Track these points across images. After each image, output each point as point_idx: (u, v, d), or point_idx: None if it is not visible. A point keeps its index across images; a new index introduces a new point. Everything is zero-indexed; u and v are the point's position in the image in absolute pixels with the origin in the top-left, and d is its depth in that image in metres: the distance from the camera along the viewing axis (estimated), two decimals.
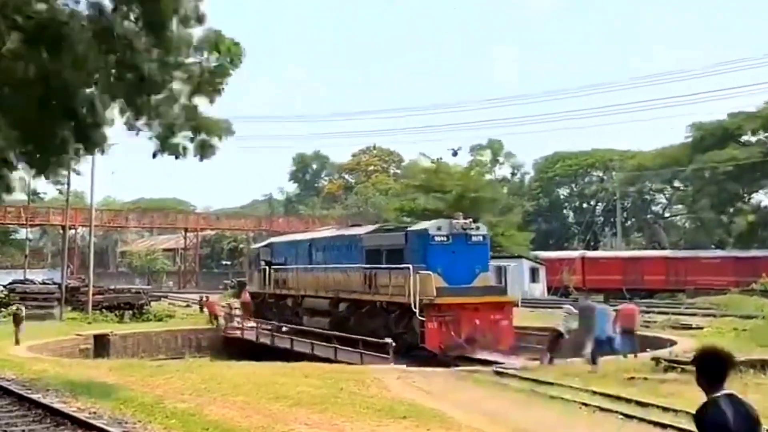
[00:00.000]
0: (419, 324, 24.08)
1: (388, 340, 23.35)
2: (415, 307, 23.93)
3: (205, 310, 40.50)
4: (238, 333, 35.96)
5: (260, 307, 37.76)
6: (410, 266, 24.36)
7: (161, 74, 13.91)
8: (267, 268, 36.35)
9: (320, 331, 28.55)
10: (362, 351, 24.16)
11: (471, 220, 26.39)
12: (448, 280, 24.59)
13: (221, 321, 37.41)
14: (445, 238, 25.19)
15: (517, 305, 26.48)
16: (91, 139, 15.23)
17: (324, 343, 27.02)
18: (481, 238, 25.93)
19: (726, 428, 4.78)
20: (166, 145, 16.06)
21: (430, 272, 24.28)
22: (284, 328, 33.55)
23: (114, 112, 15.12)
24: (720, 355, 5.09)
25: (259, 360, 24.69)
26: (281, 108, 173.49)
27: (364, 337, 24.79)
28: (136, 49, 12.97)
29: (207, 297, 45.25)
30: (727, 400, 4.94)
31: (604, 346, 21.02)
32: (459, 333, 24.07)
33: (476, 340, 24.25)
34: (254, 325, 35.37)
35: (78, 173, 43.98)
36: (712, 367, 5.02)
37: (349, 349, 25.25)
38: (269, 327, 33.98)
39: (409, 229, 27.39)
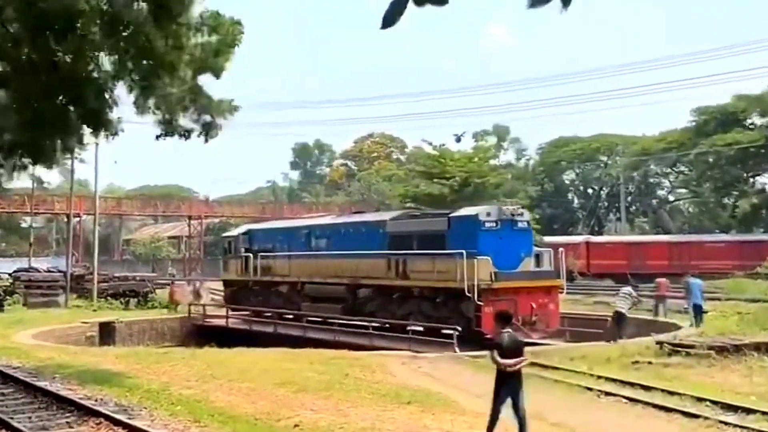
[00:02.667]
0: (474, 309, 24.14)
1: (457, 328, 23.39)
2: (468, 292, 23.98)
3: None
4: (217, 321, 35.64)
5: (237, 294, 37.27)
6: (463, 252, 24.25)
7: (173, 56, 13.82)
8: (250, 255, 35.72)
9: (352, 318, 28.28)
10: (411, 337, 24.37)
11: (519, 206, 27.07)
12: (497, 265, 24.61)
13: (180, 308, 37.18)
14: (494, 224, 25.36)
15: (563, 290, 26.76)
16: (99, 123, 15.21)
17: (349, 329, 27.32)
18: (525, 224, 26.34)
19: (501, 345, 10.42)
20: (171, 127, 16.01)
21: (487, 257, 24.34)
22: (266, 314, 33.29)
23: (121, 93, 15.09)
24: (505, 314, 11.15)
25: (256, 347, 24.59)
26: (282, 95, 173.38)
27: (428, 324, 25.00)
28: (148, 33, 12.89)
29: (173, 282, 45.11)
30: (506, 334, 10.55)
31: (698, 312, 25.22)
32: (516, 317, 24.33)
33: (533, 323, 24.61)
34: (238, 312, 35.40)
35: (82, 161, 44.10)
36: (500, 318, 10.98)
37: (386, 334, 25.97)
38: (269, 314, 33.91)
39: (452, 214, 27.15)
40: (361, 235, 29.94)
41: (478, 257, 24.10)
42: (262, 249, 35.74)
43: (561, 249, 28.98)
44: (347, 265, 29.94)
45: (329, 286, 30.74)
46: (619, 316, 23.61)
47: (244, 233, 38.24)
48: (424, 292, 26.47)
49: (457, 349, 22.10)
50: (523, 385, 10.47)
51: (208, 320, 36.39)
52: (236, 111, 16.58)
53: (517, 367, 10.31)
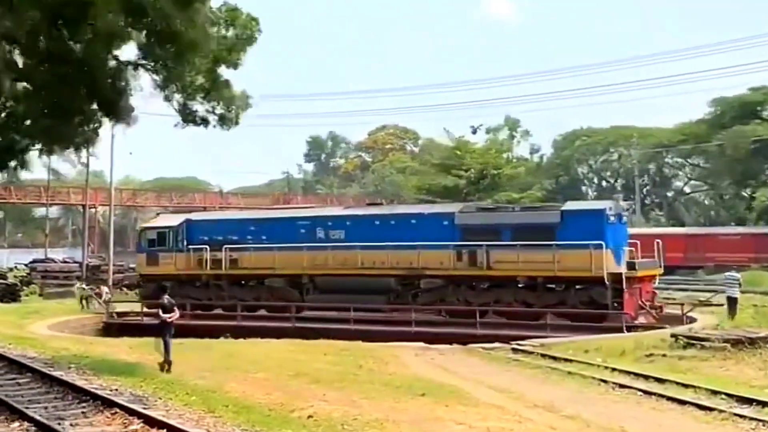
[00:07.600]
0: (612, 296, 25.83)
1: (624, 312, 25.44)
2: (607, 281, 25.74)
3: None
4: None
5: (173, 291, 33.19)
6: (602, 243, 25.82)
7: (195, 35, 13.83)
8: (205, 247, 32.61)
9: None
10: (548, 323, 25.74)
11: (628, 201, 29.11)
12: (614, 255, 26.44)
13: (92, 306, 34.79)
14: (614, 218, 27.26)
15: (656, 279, 28.73)
16: (115, 111, 15.30)
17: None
18: (626, 217, 28.80)
19: (164, 306, 17.04)
20: (189, 116, 16.12)
21: (631, 248, 26.84)
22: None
23: (141, 81, 15.19)
24: (163, 286, 19.12)
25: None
26: (297, 87, 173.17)
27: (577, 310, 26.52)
28: (171, 20, 12.91)
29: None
30: (165, 298, 17.23)
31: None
32: (643, 302, 26.65)
33: (659, 308, 27.41)
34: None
35: (94, 156, 44.16)
36: (160, 288, 18.84)
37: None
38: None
39: (566, 208, 28.64)
40: (410, 227, 29.77)
41: (623, 248, 26.56)
42: (217, 241, 32.94)
43: None
44: (396, 256, 29.49)
45: (366, 278, 29.75)
46: (732, 300, 24.99)
47: (183, 223, 34.67)
48: (536, 280, 27.45)
49: (625, 330, 24.14)
50: (172, 329, 17.01)
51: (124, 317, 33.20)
52: (250, 107, 16.72)
53: (171, 319, 16.83)
